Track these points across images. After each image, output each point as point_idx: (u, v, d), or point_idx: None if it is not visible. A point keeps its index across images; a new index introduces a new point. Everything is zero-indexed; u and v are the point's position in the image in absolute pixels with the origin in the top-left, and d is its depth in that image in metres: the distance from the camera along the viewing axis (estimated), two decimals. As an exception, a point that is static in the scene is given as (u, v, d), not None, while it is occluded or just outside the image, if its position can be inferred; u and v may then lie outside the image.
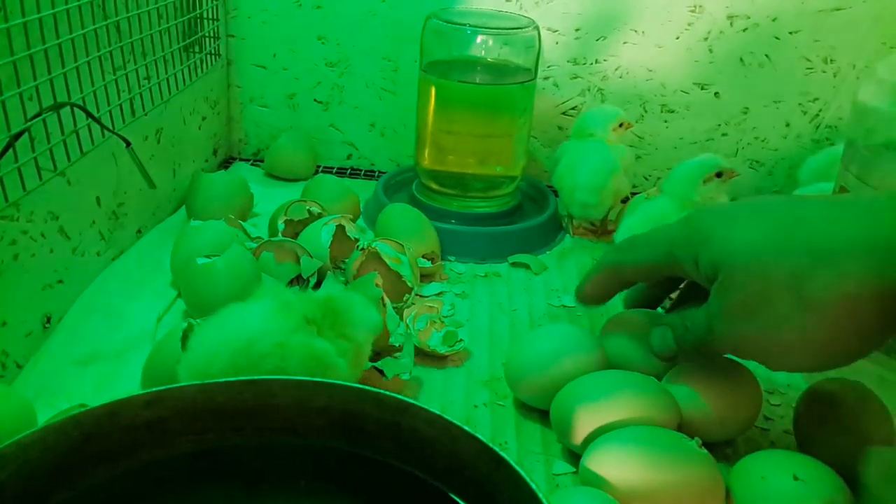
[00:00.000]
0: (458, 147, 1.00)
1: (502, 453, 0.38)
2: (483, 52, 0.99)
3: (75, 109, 0.64)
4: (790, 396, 0.72)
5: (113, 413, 0.41)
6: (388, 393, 0.43)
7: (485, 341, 0.79)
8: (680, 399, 0.63)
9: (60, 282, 0.75)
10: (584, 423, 0.61)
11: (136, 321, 0.77)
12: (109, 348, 0.73)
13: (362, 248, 0.80)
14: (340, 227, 0.85)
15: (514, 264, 0.95)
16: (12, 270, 0.66)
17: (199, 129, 1.08)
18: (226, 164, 1.19)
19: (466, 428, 0.40)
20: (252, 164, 1.19)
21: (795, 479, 0.53)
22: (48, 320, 0.73)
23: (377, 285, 0.73)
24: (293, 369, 0.53)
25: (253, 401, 0.44)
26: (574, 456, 0.62)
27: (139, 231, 0.92)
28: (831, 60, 1.09)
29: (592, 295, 0.66)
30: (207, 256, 0.75)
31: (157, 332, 0.76)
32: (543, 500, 0.35)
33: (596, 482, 0.55)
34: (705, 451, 0.57)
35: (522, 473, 0.37)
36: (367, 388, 0.43)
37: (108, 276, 0.83)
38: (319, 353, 0.55)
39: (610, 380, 0.64)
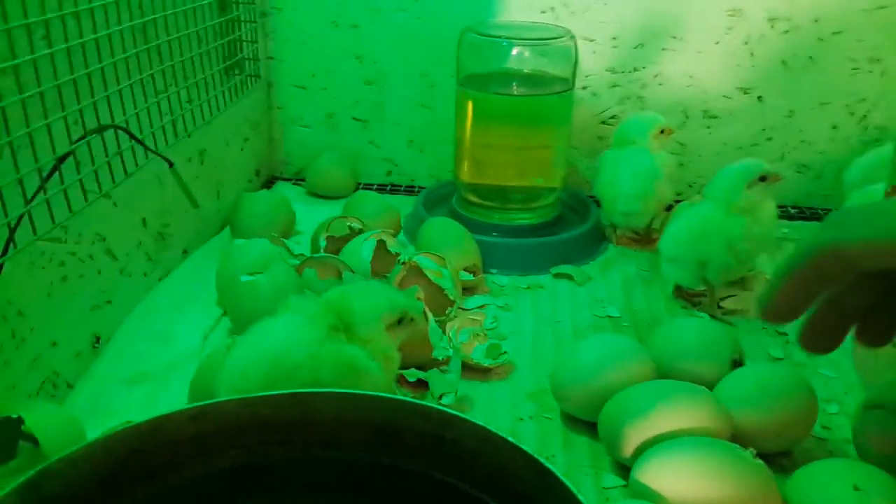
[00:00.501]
0: (496, 160, 0.99)
1: (548, 465, 0.37)
2: (520, 64, 0.98)
3: (119, 132, 0.65)
4: (848, 405, 0.70)
5: (157, 429, 0.42)
6: (432, 405, 0.42)
7: (529, 353, 0.78)
8: (733, 408, 0.62)
9: (109, 302, 0.76)
10: (634, 435, 0.60)
11: (182, 340, 0.78)
12: (157, 367, 0.74)
13: (403, 263, 0.80)
14: (381, 242, 0.85)
15: (556, 275, 0.94)
16: (62, 292, 0.67)
17: (242, 150, 1.09)
18: (268, 183, 1.20)
19: (510, 439, 0.39)
20: (294, 184, 1.20)
21: (856, 489, 0.51)
22: (97, 340, 0.74)
23: (419, 299, 0.72)
24: (327, 378, 0.53)
25: (295, 414, 0.44)
26: (624, 469, 0.61)
27: (185, 251, 0.93)
28: (877, 60, 1.06)
29: (787, 299, 0.40)
30: (251, 274, 0.76)
31: (203, 350, 0.77)
32: (592, 512, 0.34)
33: (647, 495, 0.53)
34: (760, 461, 0.55)
35: (569, 485, 0.36)
36: (409, 399, 0.43)
37: (156, 296, 0.84)
38: (350, 359, 0.56)
39: (659, 390, 0.63)
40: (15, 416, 0.53)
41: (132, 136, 0.65)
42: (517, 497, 0.39)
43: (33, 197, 0.57)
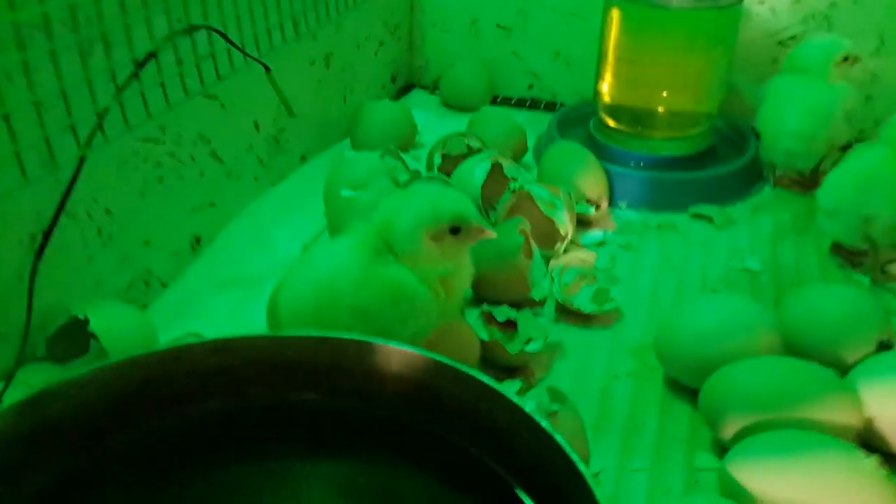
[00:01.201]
0: (642, 79, 0.89)
1: (581, 467, 0.31)
2: (681, -29, 0.86)
3: (217, 33, 0.62)
4: None
5: (177, 357, 0.39)
6: (467, 370, 0.37)
7: (642, 303, 0.70)
8: (867, 399, 0.52)
9: (213, 204, 0.75)
10: (737, 416, 0.52)
11: (282, 249, 0.76)
12: (251, 274, 0.73)
13: (513, 190, 0.73)
14: (497, 165, 0.78)
15: (695, 216, 0.84)
16: (157, 192, 0.66)
17: (376, 54, 1.05)
18: (404, 90, 1.15)
19: (546, 427, 0.33)
20: (431, 93, 1.15)
21: None
22: (198, 241, 0.74)
23: (521, 232, 0.66)
24: (370, 304, 0.49)
25: (326, 359, 0.40)
26: (724, 450, 0.53)
27: (303, 157, 0.91)
28: None
29: None
30: (354, 189, 0.73)
31: (301, 261, 0.75)
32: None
33: (737, 494, 0.46)
34: (884, 472, 0.45)
35: (596, 493, 0.29)
36: (446, 361, 0.38)
37: (265, 201, 0.83)
38: (394, 284, 0.50)
39: (778, 368, 0.54)
40: (83, 315, 0.53)
41: (225, 38, 0.61)
42: (548, 491, 0.34)
43: (122, 89, 0.55)
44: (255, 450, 0.40)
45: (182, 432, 0.39)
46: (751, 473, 0.46)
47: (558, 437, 0.33)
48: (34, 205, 0.54)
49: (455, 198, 0.53)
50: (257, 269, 0.73)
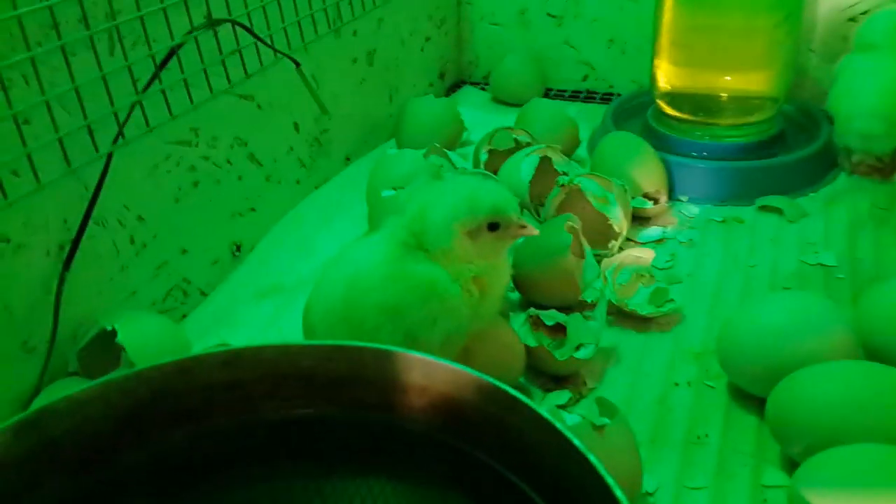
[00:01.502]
0: (702, 63, 0.83)
1: (616, 489, 0.27)
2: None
3: (244, 27, 0.59)
4: None
5: (185, 371, 0.37)
6: (491, 381, 0.33)
7: (705, 303, 0.65)
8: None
9: (253, 209, 0.73)
10: (810, 427, 0.47)
11: (324, 253, 0.74)
12: (292, 280, 0.70)
13: (562, 185, 0.69)
14: (546, 159, 0.74)
15: (762, 208, 0.78)
16: (192, 198, 0.65)
17: (423, 50, 1.02)
18: (454, 87, 1.12)
19: (576, 442, 0.29)
20: (482, 88, 1.11)
21: None
22: (238, 248, 0.72)
23: (569, 229, 0.62)
24: (397, 302, 0.46)
25: (342, 369, 0.37)
26: (794, 465, 0.48)
27: (347, 159, 0.88)
28: None
29: None
30: (394, 188, 0.70)
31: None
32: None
33: (808, 516, 0.41)
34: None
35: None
36: (469, 370, 0.34)
37: (308, 204, 0.81)
38: (426, 280, 0.47)
39: (854, 374, 0.49)
40: (110, 327, 0.52)
41: (250, 32, 0.59)
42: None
43: (146, 87, 0.54)
44: (267, 467, 0.37)
45: (190, 450, 0.37)
46: (824, 494, 0.41)
47: (591, 456, 0.29)
48: (61, 213, 0.53)
49: (494, 191, 0.50)
50: (299, 276, 0.71)
